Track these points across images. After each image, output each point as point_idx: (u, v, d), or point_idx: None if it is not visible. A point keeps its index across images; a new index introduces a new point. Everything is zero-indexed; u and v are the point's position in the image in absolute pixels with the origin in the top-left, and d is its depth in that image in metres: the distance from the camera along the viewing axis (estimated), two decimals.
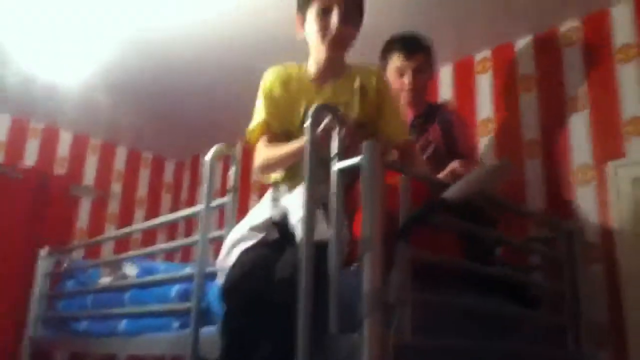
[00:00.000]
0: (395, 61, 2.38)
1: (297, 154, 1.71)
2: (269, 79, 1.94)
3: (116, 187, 4.46)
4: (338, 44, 1.85)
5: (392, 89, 2.38)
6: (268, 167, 1.89)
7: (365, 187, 1.50)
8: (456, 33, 2.91)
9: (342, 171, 1.59)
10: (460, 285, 1.72)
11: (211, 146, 2.24)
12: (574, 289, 2.12)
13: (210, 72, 3.35)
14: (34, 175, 3.92)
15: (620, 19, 2.56)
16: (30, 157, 4.05)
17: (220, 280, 1.75)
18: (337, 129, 1.62)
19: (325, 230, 1.56)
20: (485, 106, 2.96)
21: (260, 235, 1.75)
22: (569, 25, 2.73)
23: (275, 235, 1.75)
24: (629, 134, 2.42)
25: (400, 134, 1.98)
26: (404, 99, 2.40)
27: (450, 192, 1.64)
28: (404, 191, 1.57)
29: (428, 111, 2.45)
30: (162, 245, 3.44)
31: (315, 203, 1.56)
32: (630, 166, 2.37)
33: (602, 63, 2.58)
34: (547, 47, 2.79)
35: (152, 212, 4.52)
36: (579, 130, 2.59)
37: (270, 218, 1.79)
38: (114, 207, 4.42)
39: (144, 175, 4.65)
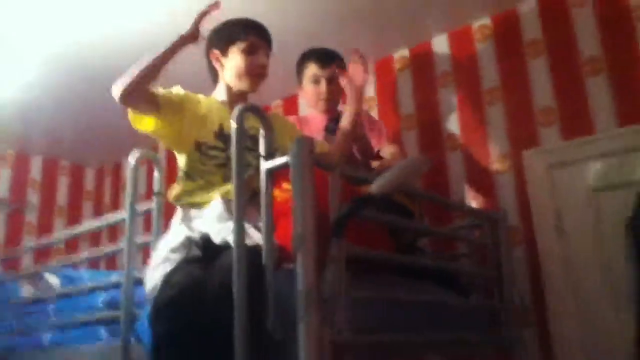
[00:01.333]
0: (311, 70, 2.46)
1: (164, 57, 1.80)
2: (182, 90, 1.96)
3: (33, 198, 4.26)
4: (262, 79, 2.02)
5: (307, 97, 2.52)
6: (131, 87, 1.78)
7: (295, 185, 1.50)
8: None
9: (270, 171, 1.58)
10: (394, 278, 1.75)
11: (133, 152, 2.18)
12: (500, 273, 2.21)
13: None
14: None
15: (529, 15, 2.70)
16: None
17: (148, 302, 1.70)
18: (262, 131, 1.62)
19: (254, 235, 1.55)
20: (407, 103, 3.04)
21: (181, 255, 1.72)
22: (482, 23, 2.85)
23: (197, 252, 1.72)
24: (541, 124, 2.56)
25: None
26: (319, 106, 2.49)
27: (377, 187, 1.67)
28: (334, 188, 1.59)
29: (340, 114, 2.49)
30: (86, 253, 3.30)
31: (243, 206, 1.54)
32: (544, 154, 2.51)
33: (514, 57, 2.71)
34: (462, 43, 2.90)
35: (73, 221, 4.35)
36: (495, 121, 2.71)
37: (189, 237, 1.75)
38: (31, 218, 4.21)
39: (63, 184, 4.46)
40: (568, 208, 2.41)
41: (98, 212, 4.52)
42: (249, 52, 1.97)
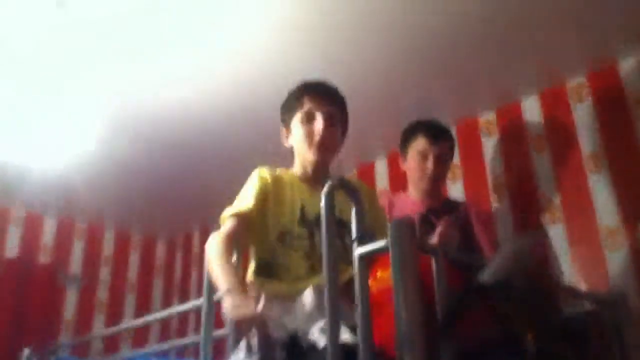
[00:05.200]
0: (420, 144, 2.32)
1: (224, 288, 1.49)
2: (263, 174, 1.78)
3: (104, 273, 4.19)
4: (324, 147, 1.79)
5: (411, 172, 2.35)
6: (208, 265, 1.66)
7: (397, 272, 1.29)
8: None
9: (363, 257, 1.38)
10: None
11: (204, 222, 2.03)
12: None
13: (200, 148, 3.20)
14: (16, 266, 3.66)
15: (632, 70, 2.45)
16: (12, 247, 3.80)
17: None
18: (354, 208, 1.43)
19: (346, 334, 1.33)
20: (497, 170, 2.80)
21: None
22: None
23: (281, 355, 1.50)
24: None
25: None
26: (422, 185, 2.33)
27: (487, 275, 1.44)
28: (439, 276, 1.36)
29: (442, 207, 2.31)
30: (156, 346, 3.13)
31: (337, 299, 1.33)
32: None
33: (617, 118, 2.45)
34: (556, 104, 2.66)
35: (144, 297, 4.24)
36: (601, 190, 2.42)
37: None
38: (102, 294, 4.13)
39: (134, 259, 4.39)
40: None
41: (168, 287, 4.41)
42: (307, 121, 1.78)
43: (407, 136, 2.38)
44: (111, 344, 3.74)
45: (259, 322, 1.38)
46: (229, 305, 1.42)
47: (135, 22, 2.32)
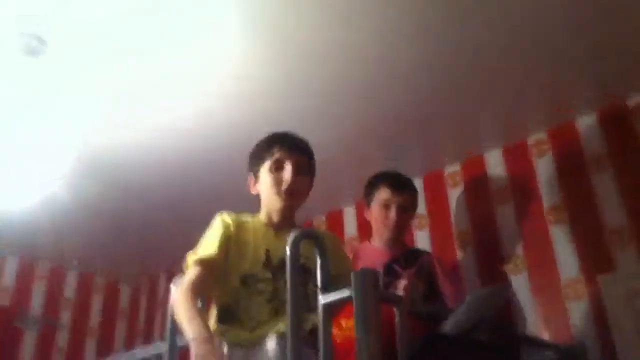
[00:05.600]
0: (383, 194, 2.37)
1: (192, 334, 1.50)
2: (225, 219, 1.79)
3: (65, 316, 4.08)
4: (292, 194, 1.81)
5: (374, 222, 2.39)
6: (175, 314, 1.66)
7: (359, 322, 1.30)
8: None
9: (327, 307, 1.39)
10: None
11: (170, 266, 2.02)
12: None
13: (166, 191, 3.20)
14: None
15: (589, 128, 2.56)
16: None
17: None
18: (318, 260, 1.45)
19: None
20: (462, 220, 2.86)
21: None
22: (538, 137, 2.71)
23: None
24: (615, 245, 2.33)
25: None
26: (385, 234, 2.37)
27: (450, 325, 1.47)
28: (402, 325, 1.38)
29: (407, 257, 2.35)
30: None
31: (300, 347, 1.34)
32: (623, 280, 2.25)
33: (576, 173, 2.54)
34: (518, 158, 2.76)
35: (105, 343, 4.13)
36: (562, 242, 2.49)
37: None
38: (63, 338, 4.01)
39: (97, 302, 4.29)
40: None
41: (132, 332, 4.30)
42: (275, 169, 1.81)
43: (371, 187, 2.43)
44: None
45: None
46: (195, 355, 1.43)
47: (102, 61, 2.32)
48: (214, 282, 1.72)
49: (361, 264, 2.19)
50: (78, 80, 2.42)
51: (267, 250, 1.74)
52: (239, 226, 1.78)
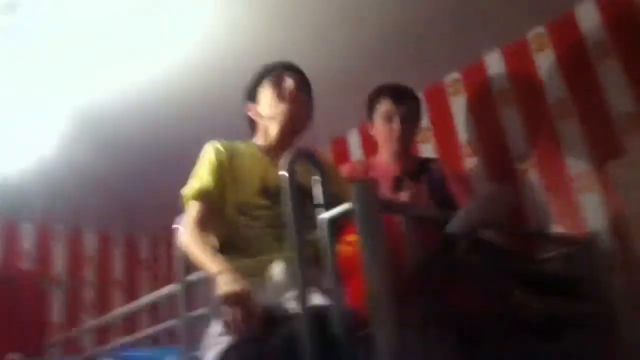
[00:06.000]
0: (384, 106, 2.32)
1: (215, 271, 1.50)
2: (216, 150, 1.76)
3: (89, 273, 4.17)
4: (295, 101, 1.79)
5: (378, 136, 2.33)
6: (188, 255, 1.67)
7: (363, 234, 1.29)
8: None
9: (331, 222, 1.37)
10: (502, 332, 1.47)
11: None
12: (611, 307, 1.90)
13: (170, 140, 3.17)
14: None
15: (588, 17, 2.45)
16: None
17: None
18: (318, 177, 1.42)
19: (320, 300, 1.33)
20: (467, 128, 2.80)
21: None
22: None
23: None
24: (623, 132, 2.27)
25: None
26: (391, 147, 2.31)
27: (453, 226, 1.44)
28: (409, 234, 1.36)
29: (416, 168, 2.31)
30: (141, 333, 3.13)
31: (305, 262, 1.33)
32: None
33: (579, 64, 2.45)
34: (519, 57, 2.66)
35: (131, 292, 4.22)
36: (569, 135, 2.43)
37: None
38: (89, 294, 4.11)
39: (118, 256, 4.36)
40: None
41: (155, 280, 4.39)
42: (276, 83, 1.81)
43: (372, 101, 2.37)
44: (101, 337, 3.73)
45: (246, 297, 1.38)
46: (222, 284, 1.43)
47: (99, 27, 2.32)
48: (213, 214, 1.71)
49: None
50: (70, 44, 2.39)
51: (263, 177, 1.71)
52: (232, 153, 1.75)
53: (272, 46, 2.45)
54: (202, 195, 1.68)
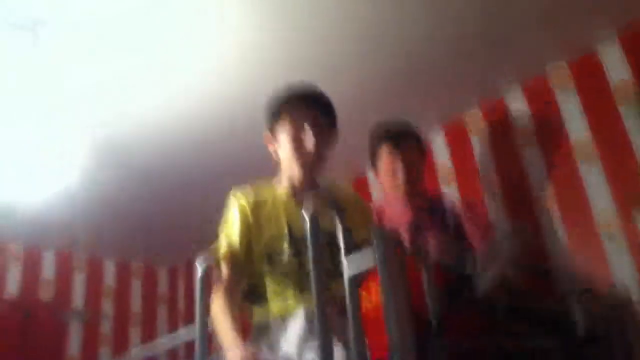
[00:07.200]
0: (385, 154, 2.24)
1: (226, 345, 1.47)
2: (241, 201, 1.71)
3: (107, 305, 4.16)
4: (315, 160, 1.71)
5: (384, 183, 2.28)
6: (212, 319, 1.63)
7: (385, 283, 1.26)
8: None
9: (353, 279, 1.35)
10: None
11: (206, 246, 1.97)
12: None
13: (192, 170, 3.20)
14: (17, 306, 3.64)
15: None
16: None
17: None
18: (339, 226, 1.39)
19: (340, 354, 1.31)
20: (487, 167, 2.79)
21: None
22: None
23: None
24: None
25: None
26: (399, 192, 2.24)
27: (482, 291, 1.41)
28: (428, 281, 1.34)
29: (431, 210, 2.24)
30: None
31: (327, 320, 1.30)
32: None
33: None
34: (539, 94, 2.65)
35: (148, 327, 4.20)
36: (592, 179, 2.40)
37: None
38: (106, 327, 4.10)
39: (136, 288, 4.36)
40: None
41: (173, 315, 4.37)
42: (295, 130, 1.69)
43: (372, 145, 2.30)
44: None
45: None
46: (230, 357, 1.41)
47: (121, 58, 2.35)
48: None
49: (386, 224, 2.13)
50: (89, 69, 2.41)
51: (289, 224, 1.67)
52: (256, 203, 1.72)
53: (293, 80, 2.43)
54: (231, 257, 1.66)
